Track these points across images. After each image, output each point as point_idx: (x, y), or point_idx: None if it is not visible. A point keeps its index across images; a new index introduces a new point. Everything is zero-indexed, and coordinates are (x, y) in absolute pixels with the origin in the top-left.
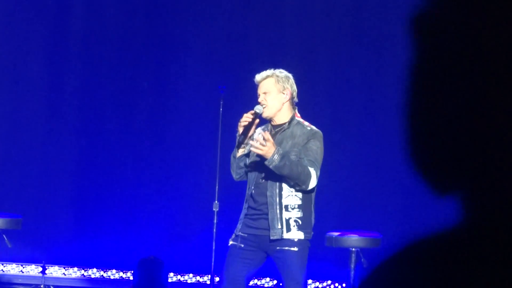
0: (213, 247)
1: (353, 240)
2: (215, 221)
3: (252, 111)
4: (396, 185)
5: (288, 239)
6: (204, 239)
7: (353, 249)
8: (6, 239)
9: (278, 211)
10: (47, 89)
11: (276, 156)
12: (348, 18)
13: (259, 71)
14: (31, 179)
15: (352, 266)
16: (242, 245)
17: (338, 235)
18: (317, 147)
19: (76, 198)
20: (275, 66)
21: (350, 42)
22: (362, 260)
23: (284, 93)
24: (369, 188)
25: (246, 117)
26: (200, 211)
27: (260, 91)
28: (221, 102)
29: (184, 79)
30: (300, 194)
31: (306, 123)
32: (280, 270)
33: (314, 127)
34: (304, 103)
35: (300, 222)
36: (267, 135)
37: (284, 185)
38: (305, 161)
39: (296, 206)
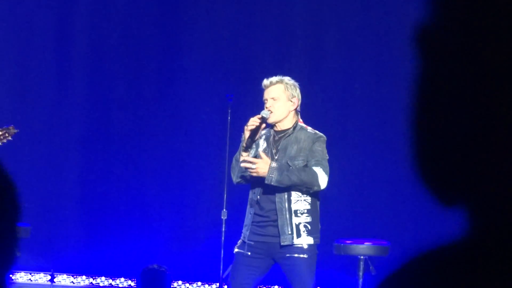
0: (222, 255)
1: (362, 248)
2: (223, 229)
3: (259, 116)
4: (404, 193)
5: (297, 246)
6: (212, 247)
7: (362, 257)
8: None
9: (287, 216)
10: (53, 95)
11: (273, 173)
12: (354, 24)
13: (266, 76)
14: (39, 187)
15: (361, 274)
16: (249, 253)
17: (347, 243)
18: (322, 148)
19: (84, 207)
20: (283, 74)
21: (357, 49)
22: (371, 268)
23: (292, 101)
24: (377, 196)
25: (253, 122)
26: (208, 219)
27: (268, 96)
28: (229, 111)
29: (192, 87)
30: (308, 199)
31: (309, 128)
32: (289, 277)
33: (317, 131)
34: (312, 109)
35: (309, 227)
36: (250, 159)
37: (293, 191)
38: (312, 162)
39: (305, 211)
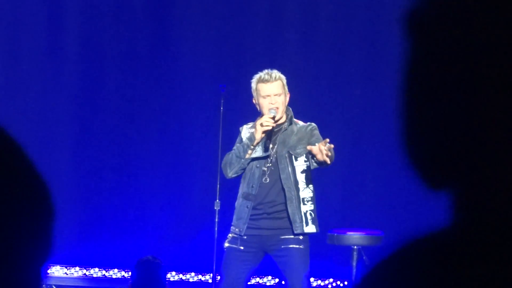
0: (215, 246)
1: (355, 238)
2: (216, 219)
3: (271, 115)
4: (398, 182)
5: (293, 238)
6: (205, 238)
7: (355, 247)
8: None
9: (296, 204)
10: (46, 82)
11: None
12: (344, 16)
13: (259, 70)
14: None
15: (354, 264)
16: (242, 247)
17: (340, 233)
18: (320, 135)
19: (77, 198)
20: (276, 64)
21: (347, 39)
22: (364, 258)
23: (287, 96)
24: (370, 186)
25: (268, 123)
26: (201, 209)
27: (271, 92)
28: (222, 101)
29: (185, 78)
30: (311, 187)
31: (301, 122)
32: (283, 269)
33: (310, 122)
34: (303, 98)
35: (313, 215)
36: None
37: (299, 178)
38: None
39: (310, 199)
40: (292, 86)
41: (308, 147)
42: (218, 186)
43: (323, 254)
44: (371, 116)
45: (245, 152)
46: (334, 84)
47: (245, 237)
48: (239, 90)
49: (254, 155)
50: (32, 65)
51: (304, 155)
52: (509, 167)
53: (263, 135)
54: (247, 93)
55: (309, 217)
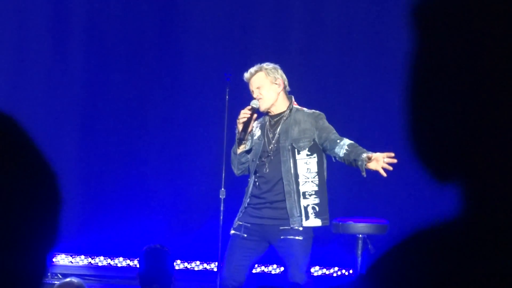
0: (220, 234)
1: (360, 227)
2: (221, 208)
3: (249, 107)
4: (404, 171)
5: (293, 229)
6: (210, 227)
7: (360, 235)
8: None
9: (296, 198)
10: (52, 63)
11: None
12: (350, 9)
13: (265, 58)
14: None
15: (359, 252)
16: (245, 235)
17: (345, 221)
18: (328, 123)
19: (82, 186)
20: (281, 54)
21: (355, 25)
22: (369, 246)
23: (276, 83)
24: (376, 174)
25: (244, 114)
26: (206, 198)
27: (253, 87)
28: (227, 90)
29: (190, 67)
30: (316, 180)
31: (305, 109)
32: (284, 259)
33: (314, 110)
34: (309, 85)
35: (317, 209)
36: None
37: (300, 172)
38: (333, 136)
39: (313, 193)
40: (298, 71)
41: (369, 154)
42: (223, 174)
43: (328, 243)
44: (377, 105)
45: (237, 147)
46: (340, 72)
47: (249, 225)
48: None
49: (247, 149)
50: (38, 62)
51: (308, 148)
52: None
53: (241, 126)
54: None
55: (310, 211)
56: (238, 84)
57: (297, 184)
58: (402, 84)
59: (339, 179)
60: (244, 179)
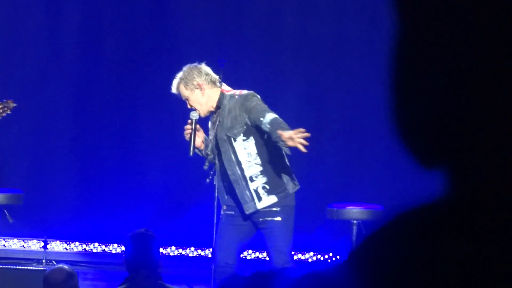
0: (214, 220)
1: (354, 212)
2: (216, 194)
3: (190, 120)
4: (397, 156)
5: (271, 210)
6: (205, 212)
7: (355, 221)
8: (7, 214)
9: (244, 184)
10: (47, 58)
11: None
12: None
13: (259, 44)
14: (31, 153)
15: (354, 238)
16: (233, 212)
17: (339, 207)
18: (256, 101)
19: (77, 173)
20: (274, 38)
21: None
22: (364, 232)
23: (197, 88)
24: (370, 159)
25: (187, 129)
26: (201, 184)
27: (183, 99)
28: (221, 76)
29: (184, 53)
30: (259, 161)
31: (237, 92)
32: (266, 241)
33: (243, 91)
34: (301, 70)
35: (268, 187)
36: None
37: (241, 158)
38: (261, 115)
39: (259, 173)
40: (290, 58)
41: (279, 132)
42: (217, 160)
43: (322, 229)
44: (369, 89)
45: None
46: (331, 58)
47: (234, 205)
48: (239, 64)
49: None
50: (32, 56)
51: (242, 133)
52: (504, 141)
53: (190, 140)
54: (246, 68)
55: (261, 191)
56: (232, 69)
57: (242, 170)
58: (387, 65)
59: (333, 164)
60: None
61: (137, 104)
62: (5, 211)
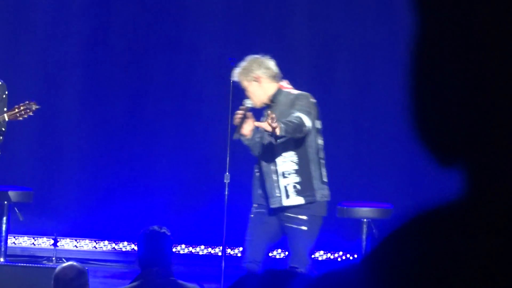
0: (225, 219)
1: (365, 211)
2: (226, 192)
3: (243, 106)
4: (407, 155)
5: (298, 218)
6: (215, 211)
7: (365, 220)
8: (17, 212)
9: (275, 178)
10: (55, 51)
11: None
12: None
13: (269, 42)
14: (41, 152)
15: (364, 237)
16: (264, 210)
17: (349, 206)
18: (303, 102)
19: (86, 171)
20: (285, 37)
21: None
22: (374, 231)
23: (255, 80)
24: (380, 158)
25: (237, 113)
26: (211, 183)
27: (243, 87)
28: (232, 73)
29: (195, 51)
30: (295, 159)
31: (294, 91)
32: (287, 242)
33: (300, 92)
34: (312, 70)
35: (298, 187)
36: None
37: (278, 153)
38: (294, 112)
39: (293, 171)
40: (301, 56)
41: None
42: (227, 159)
43: (332, 227)
44: (380, 87)
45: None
46: (344, 56)
47: (263, 204)
48: None
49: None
50: (39, 55)
51: None
52: None
53: (237, 121)
54: None
55: (291, 190)
56: None
57: (275, 164)
58: (406, 64)
59: (344, 162)
60: (248, 163)
61: (148, 101)
62: (16, 209)
